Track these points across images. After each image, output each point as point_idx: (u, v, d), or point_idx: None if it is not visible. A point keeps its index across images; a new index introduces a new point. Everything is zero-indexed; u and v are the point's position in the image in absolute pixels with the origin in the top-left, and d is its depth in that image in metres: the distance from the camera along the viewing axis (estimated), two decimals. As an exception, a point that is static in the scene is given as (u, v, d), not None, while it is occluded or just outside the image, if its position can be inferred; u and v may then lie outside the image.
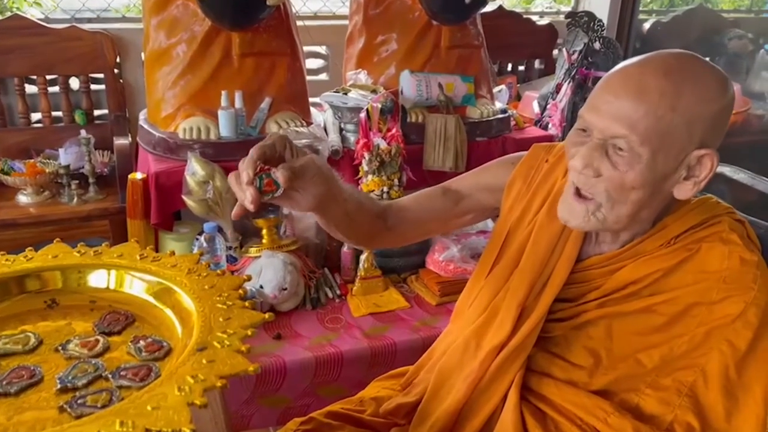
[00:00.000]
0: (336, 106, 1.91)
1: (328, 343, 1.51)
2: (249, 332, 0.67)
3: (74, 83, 2.23)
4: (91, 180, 1.99)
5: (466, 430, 0.90)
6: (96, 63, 2.17)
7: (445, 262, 1.75)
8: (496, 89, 2.29)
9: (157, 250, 1.79)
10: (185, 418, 0.55)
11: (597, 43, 2.35)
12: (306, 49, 2.12)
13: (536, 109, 2.43)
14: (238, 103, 1.80)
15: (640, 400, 0.83)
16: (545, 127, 2.32)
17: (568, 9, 3.10)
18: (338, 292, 1.72)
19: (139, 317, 0.79)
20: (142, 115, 1.99)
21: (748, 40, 3.28)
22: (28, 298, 0.83)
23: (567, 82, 2.31)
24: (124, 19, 2.44)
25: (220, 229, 1.68)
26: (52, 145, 2.13)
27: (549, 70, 2.84)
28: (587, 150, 0.78)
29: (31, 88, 2.18)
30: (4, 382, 0.67)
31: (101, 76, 2.22)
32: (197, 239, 1.67)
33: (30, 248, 0.87)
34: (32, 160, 2.02)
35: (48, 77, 2.16)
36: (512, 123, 2.17)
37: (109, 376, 0.67)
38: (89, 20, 2.33)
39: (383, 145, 1.74)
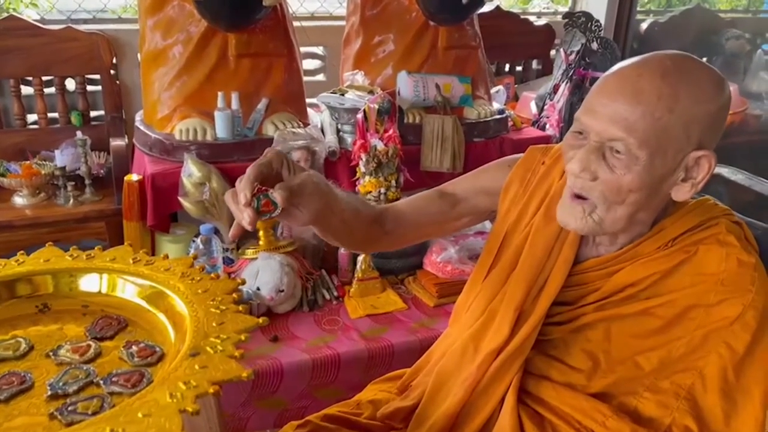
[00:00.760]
0: (333, 107, 1.90)
1: (325, 345, 1.50)
2: (243, 337, 0.67)
3: (70, 84, 2.22)
4: (87, 181, 1.99)
5: (463, 433, 0.90)
6: (92, 64, 2.16)
7: (443, 263, 1.74)
8: (493, 90, 2.29)
9: (153, 252, 1.80)
10: (177, 425, 0.54)
11: (594, 43, 2.35)
12: (303, 49, 2.11)
13: (534, 109, 2.43)
14: (234, 104, 1.80)
15: (639, 403, 0.83)
16: (543, 128, 2.32)
17: (566, 9, 3.09)
18: (335, 293, 1.72)
19: (131, 322, 0.78)
20: (138, 117, 1.98)
21: (745, 40, 3.28)
22: (20, 302, 0.82)
23: (564, 82, 2.31)
24: (120, 20, 2.43)
25: (216, 231, 1.67)
26: (48, 146, 2.12)
27: (546, 70, 2.84)
28: (584, 153, 0.78)
29: (27, 90, 2.18)
30: (-5, 389, 0.67)
31: (97, 77, 2.21)
32: (194, 241, 1.66)
33: (21, 252, 0.86)
34: (28, 162, 2.01)
35: (44, 78, 2.15)
36: (510, 124, 2.17)
37: (101, 382, 0.67)
38: (85, 21, 2.33)
39: (380, 146, 1.74)
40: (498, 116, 2.10)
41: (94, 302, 0.81)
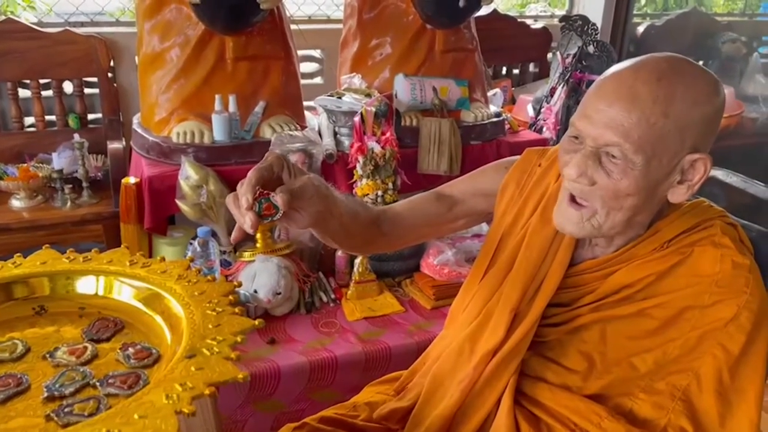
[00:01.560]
0: (330, 109, 1.90)
1: (322, 348, 1.50)
2: (239, 339, 0.67)
3: (68, 87, 2.22)
4: (84, 184, 1.99)
5: (459, 435, 0.90)
6: (90, 67, 2.16)
7: (440, 265, 1.74)
8: (490, 93, 2.29)
9: (150, 254, 1.80)
10: (173, 426, 0.54)
11: (591, 46, 2.36)
12: (300, 52, 2.12)
13: (531, 112, 2.44)
14: (231, 107, 1.80)
15: (634, 405, 0.83)
16: (540, 131, 2.33)
17: (563, 13, 3.10)
18: (333, 296, 1.72)
19: (128, 324, 0.78)
20: (135, 119, 1.98)
21: (741, 43, 3.29)
22: (16, 305, 0.82)
23: (561, 85, 2.32)
24: (118, 23, 2.43)
25: (213, 234, 1.67)
26: (46, 149, 2.12)
27: (543, 73, 2.85)
28: (581, 158, 0.78)
29: (24, 92, 2.17)
30: (-9, 390, 0.67)
31: (95, 80, 2.21)
32: (191, 244, 1.66)
33: (18, 254, 0.86)
34: (25, 165, 2.01)
35: (41, 81, 2.15)
36: (507, 126, 2.17)
37: (97, 384, 0.67)
38: (83, 24, 2.33)
39: (377, 148, 1.74)
40: (495, 119, 2.10)
41: (90, 304, 0.81)
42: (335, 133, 1.93)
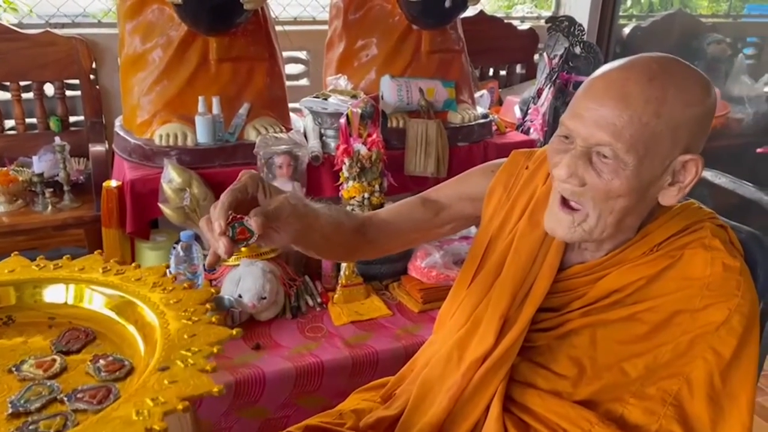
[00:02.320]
0: (316, 111, 1.88)
1: (308, 353, 1.48)
2: (215, 350, 0.64)
3: (49, 89, 2.18)
4: (65, 188, 1.95)
5: (448, 443, 0.88)
6: (71, 69, 2.13)
7: (428, 268, 1.73)
8: (477, 94, 2.28)
9: (133, 259, 1.77)
10: (143, 444, 0.52)
11: (578, 47, 2.36)
12: (286, 54, 2.10)
13: (518, 113, 2.43)
14: (215, 108, 1.77)
15: (625, 410, 0.82)
16: (527, 132, 2.32)
17: (549, 14, 3.11)
18: (319, 300, 1.69)
19: (100, 334, 0.75)
20: (117, 122, 1.95)
21: (726, 44, 3.32)
22: (-18, 315, 0.79)
23: (548, 86, 2.31)
24: (100, 24, 2.39)
25: (197, 237, 1.64)
26: (26, 152, 2.08)
27: (530, 74, 2.85)
28: (571, 158, 0.77)
29: (4, 95, 2.14)
30: (-46, 406, 0.63)
31: (77, 82, 2.18)
32: (174, 248, 1.62)
33: (-12, 262, 0.83)
34: (5, 168, 1.98)
35: (22, 83, 2.12)
36: (494, 128, 2.16)
37: (65, 398, 0.64)
38: (64, 25, 2.29)
39: (364, 150, 1.72)
40: (482, 120, 2.09)
41: (60, 314, 0.78)
42: (321, 135, 1.90)
